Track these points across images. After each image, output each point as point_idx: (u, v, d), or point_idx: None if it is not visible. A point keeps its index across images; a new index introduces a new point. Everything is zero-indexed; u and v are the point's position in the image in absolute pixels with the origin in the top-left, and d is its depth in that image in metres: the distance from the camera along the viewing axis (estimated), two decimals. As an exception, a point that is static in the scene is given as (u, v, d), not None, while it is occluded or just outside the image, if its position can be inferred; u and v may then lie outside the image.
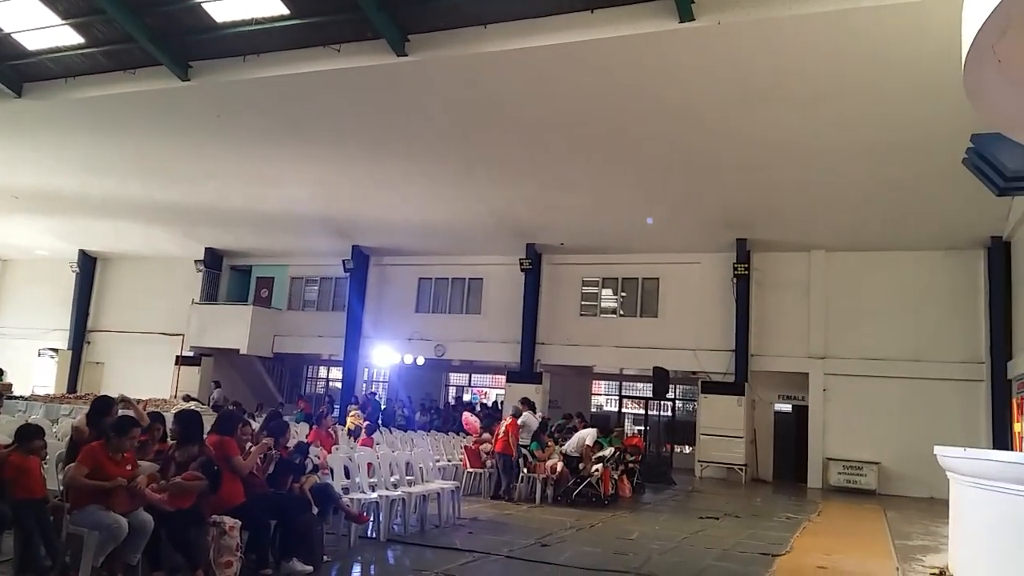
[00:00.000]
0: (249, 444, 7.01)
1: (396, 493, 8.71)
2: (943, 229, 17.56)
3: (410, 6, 12.73)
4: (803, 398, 19.48)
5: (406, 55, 13.40)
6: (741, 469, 18.77)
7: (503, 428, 12.78)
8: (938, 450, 8.03)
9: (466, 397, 26.39)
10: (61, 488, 5.79)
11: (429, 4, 12.69)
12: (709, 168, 15.81)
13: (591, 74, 13.05)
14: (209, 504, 6.09)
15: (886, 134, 13.37)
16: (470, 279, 23.44)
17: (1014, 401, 13.32)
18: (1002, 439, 15.94)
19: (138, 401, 14.05)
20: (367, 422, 12.79)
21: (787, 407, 20.28)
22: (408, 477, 9.72)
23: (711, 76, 12.62)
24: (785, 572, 7.75)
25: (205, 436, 6.67)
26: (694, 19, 11.44)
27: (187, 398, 18.39)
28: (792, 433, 19.80)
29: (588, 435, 12.88)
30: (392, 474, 9.35)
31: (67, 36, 14.56)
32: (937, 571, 8.01)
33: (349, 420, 13.64)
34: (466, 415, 16.19)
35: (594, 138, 15.17)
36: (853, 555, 9.10)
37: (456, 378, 27.36)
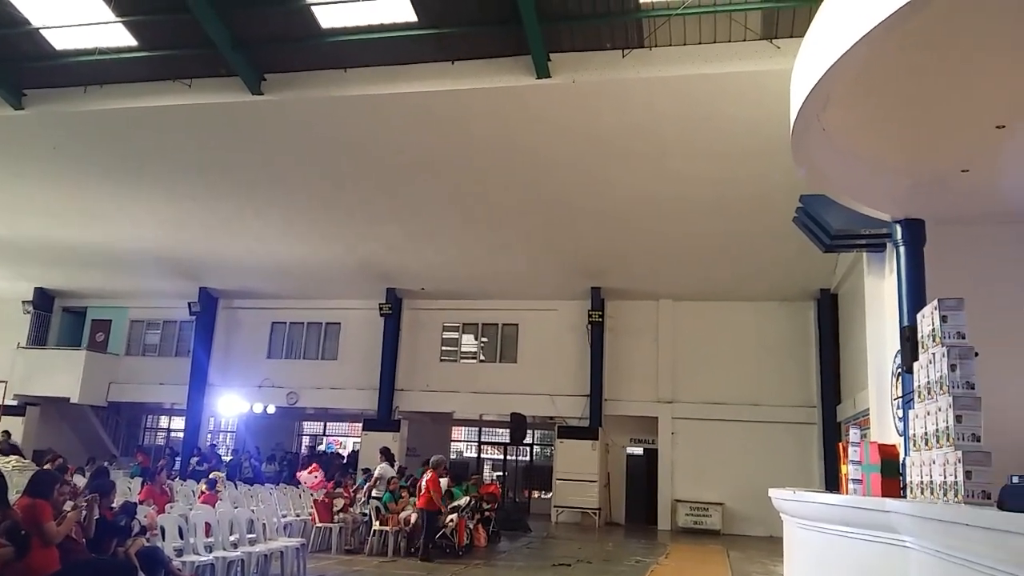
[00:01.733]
0: (70, 503, 6.40)
1: (235, 554, 8.20)
2: (778, 282, 18.84)
3: (267, 45, 12.48)
4: (654, 441, 20.14)
5: (262, 94, 13.09)
6: (595, 513, 19.07)
7: (424, 484, 12.00)
8: (772, 492, 8.47)
9: (321, 447, 25.44)
10: None
11: (287, 44, 12.49)
12: (566, 218, 16.28)
13: (451, 123, 13.22)
14: (17, 573, 5.48)
15: (726, 192, 14.27)
16: (327, 324, 22.82)
17: (840, 444, 14.30)
18: (832, 480, 17.07)
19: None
20: (208, 478, 12.01)
21: (639, 450, 20.89)
22: (250, 535, 9.17)
23: (567, 130, 13.08)
24: (631, 617, 7.86)
25: (17, 498, 6.05)
26: (550, 76, 11.87)
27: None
28: (643, 476, 20.38)
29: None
30: (232, 533, 8.80)
31: None
32: (772, 609, 8.38)
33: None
34: (300, 474, 15.39)
35: (455, 186, 15.31)
36: (696, 596, 9.37)
37: (310, 427, 26.39)
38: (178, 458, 20.88)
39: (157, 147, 14.68)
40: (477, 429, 24.55)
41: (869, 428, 11.29)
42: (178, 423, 24.76)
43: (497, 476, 22.95)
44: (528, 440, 22.01)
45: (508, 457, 23.66)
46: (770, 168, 12.47)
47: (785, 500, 8.03)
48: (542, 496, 22.54)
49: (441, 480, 13.07)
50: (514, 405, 19.68)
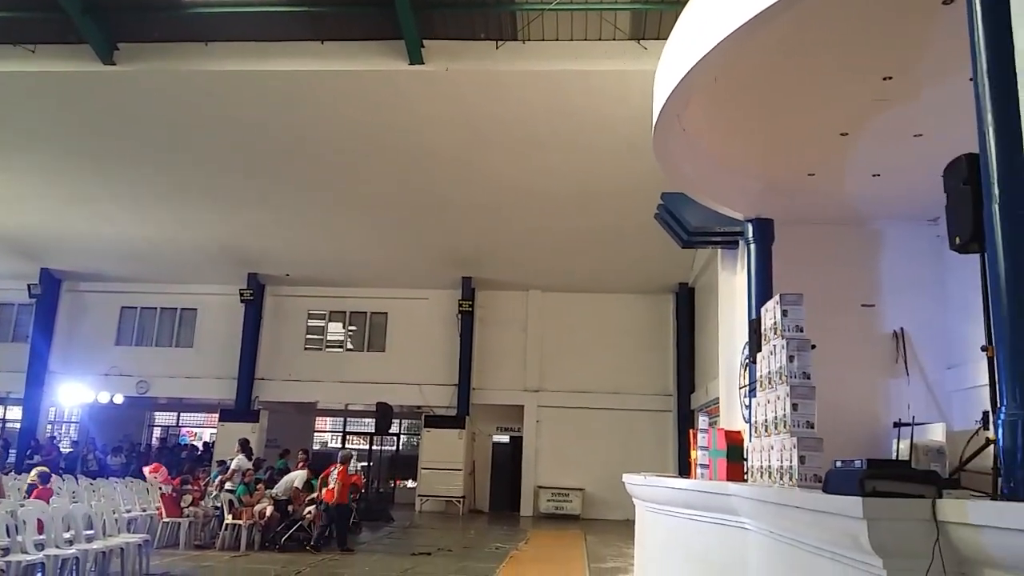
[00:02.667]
0: None
1: (69, 551, 7.63)
2: (640, 275, 19.52)
3: (122, 12, 11.70)
4: (519, 429, 20.43)
5: (114, 64, 12.27)
6: (459, 501, 19.14)
7: (333, 477, 11.83)
8: (625, 477, 8.75)
9: (173, 439, 24.15)
10: None
11: (145, 12, 11.77)
12: (437, 207, 16.20)
13: (321, 105, 12.86)
14: None
15: (593, 186, 14.63)
16: (182, 309, 21.67)
17: (691, 431, 15.06)
18: (685, 465, 17.88)
19: None
20: (40, 469, 11.13)
21: (505, 439, 21.15)
22: (88, 532, 8.56)
23: (440, 119, 13.00)
24: (488, 604, 7.92)
25: None
26: (423, 63, 11.75)
27: None
28: (508, 463, 20.65)
29: (297, 477, 12.33)
30: (67, 529, 8.18)
31: None
32: (624, 591, 8.67)
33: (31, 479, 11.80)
34: (145, 470, 14.53)
35: (324, 169, 14.91)
36: (553, 581, 9.56)
37: (162, 417, 24.99)
38: (12, 451, 19.26)
39: (-5, 114, 13.46)
40: (342, 419, 24.07)
41: (719, 416, 11.91)
42: (15, 413, 22.82)
43: (362, 466, 22.57)
44: (395, 430, 21.79)
45: (373, 447, 23.34)
46: (635, 165, 12.86)
47: (636, 485, 8.32)
48: (407, 486, 22.40)
49: (296, 473, 12.73)
50: (382, 395, 19.44)
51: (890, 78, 6.08)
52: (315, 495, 12.29)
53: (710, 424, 12.53)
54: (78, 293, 21.71)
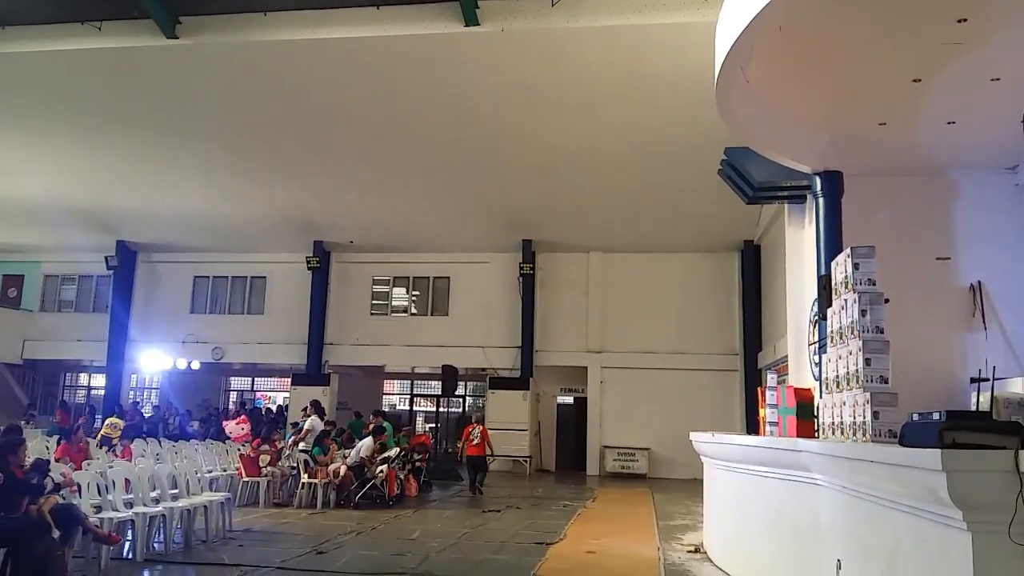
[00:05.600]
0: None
1: (156, 509, 8.03)
2: (703, 233, 19.19)
3: (182, -15, 11.88)
4: (583, 390, 20.50)
5: (177, 37, 12.50)
6: (526, 461, 19.39)
7: (475, 433, 14.57)
8: (692, 435, 8.74)
9: (258, 402, 25.03)
10: None
11: (203, -16, 11.92)
12: (496, 170, 16.18)
13: (378, 71, 12.90)
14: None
15: (654, 144, 14.38)
16: (252, 278, 22.28)
17: (759, 389, 14.96)
18: (753, 424, 17.74)
19: None
20: (112, 421, 11.75)
21: (569, 399, 21.25)
22: (173, 491, 8.99)
23: (496, 80, 12.91)
24: (556, 559, 8.04)
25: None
26: (479, 24, 11.65)
27: None
28: (573, 424, 20.78)
29: (364, 447, 12.68)
30: (153, 488, 8.60)
31: None
32: (693, 548, 8.69)
33: (105, 429, 12.45)
34: (227, 424, 15.07)
35: (382, 135, 15.00)
36: (621, 538, 9.64)
37: (238, 382, 25.90)
38: (98, 416, 20.24)
39: (66, 92, 13.92)
40: (409, 382, 24.54)
41: (787, 374, 11.73)
42: (99, 380, 23.96)
43: (430, 428, 23.04)
44: (460, 392, 22.12)
45: (440, 409, 23.76)
46: (696, 121, 12.59)
47: (704, 443, 8.30)
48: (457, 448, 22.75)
49: (364, 441, 13.02)
50: (446, 357, 19.70)
51: (964, 20, 5.79)
52: (387, 454, 12.64)
53: (779, 382, 12.42)
54: (152, 264, 22.51)
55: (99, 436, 11.78)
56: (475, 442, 14.65)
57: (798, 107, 7.70)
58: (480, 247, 20.90)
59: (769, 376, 16.84)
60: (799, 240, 10.54)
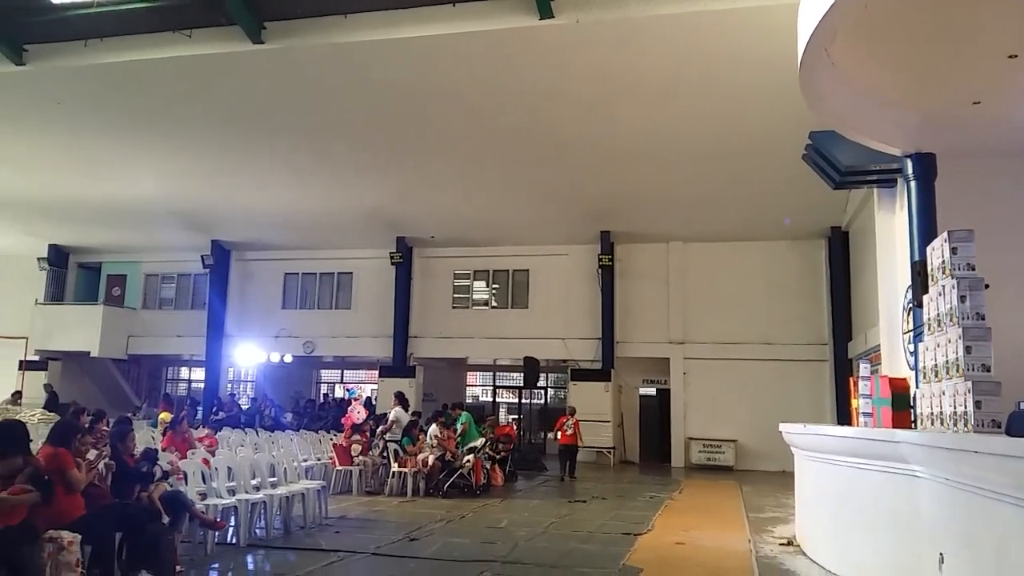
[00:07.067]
0: (93, 452, 6.59)
1: (257, 496, 8.41)
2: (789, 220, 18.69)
3: (266, -8, 12.28)
4: (666, 382, 20.32)
5: (262, 42, 12.93)
6: (610, 452, 19.37)
7: (569, 424, 15.89)
8: (782, 427, 8.58)
9: (339, 393, 25.78)
10: None
11: (289, -11, 12.29)
12: (573, 162, 16.15)
13: (454, 67, 13.05)
14: (44, 519, 5.66)
15: (735, 130, 14.09)
16: (339, 273, 22.95)
17: (851, 379, 14.54)
18: (844, 415, 17.23)
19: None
20: (218, 419, 12.42)
21: (651, 391, 21.10)
22: (272, 479, 9.39)
23: (572, 71, 12.88)
24: (645, 550, 8.04)
25: (40, 447, 6.21)
26: (553, 16, 11.64)
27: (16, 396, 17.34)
28: (657, 415, 20.63)
29: (431, 432, 13.02)
30: (253, 476, 9.01)
31: None
32: (785, 541, 8.54)
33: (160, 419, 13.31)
34: (353, 407, 15.83)
35: (460, 131, 15.18)
36: (710, 530, 9.56)
37: (328, 375, 26.73)
38: (199, 407, 21.26)
39: (160, 99, 14.58)
40: (491, 373, 24.82)
41: (880, 363, 11.35)
42: (199, 374, 25.14)
43: (513, 419, 23.26)
44: (542, 383, 22.25)
45: (523, 400, 23.95)
46: (779, 105, 12.27)
47: (796, 434, 8.15)
48: (552, 438, 22.85)
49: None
50: (527, 349, 19.85)
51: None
52: (473, 444, 12.87)
53: (872, 372, 12.05)
54: (245, 262, 23.43)
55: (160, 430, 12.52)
56: (568, 432, 15.83)
57: (886, 87, 7.45)
58: (558, 239, 20.93)
59: (861, 366, 16.31)
60: (890, 225, 10.17)
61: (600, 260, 20.21)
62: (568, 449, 15.98)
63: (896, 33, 6.44)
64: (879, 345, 11.30)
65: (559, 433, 16.21)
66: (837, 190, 11.78)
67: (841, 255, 18.74)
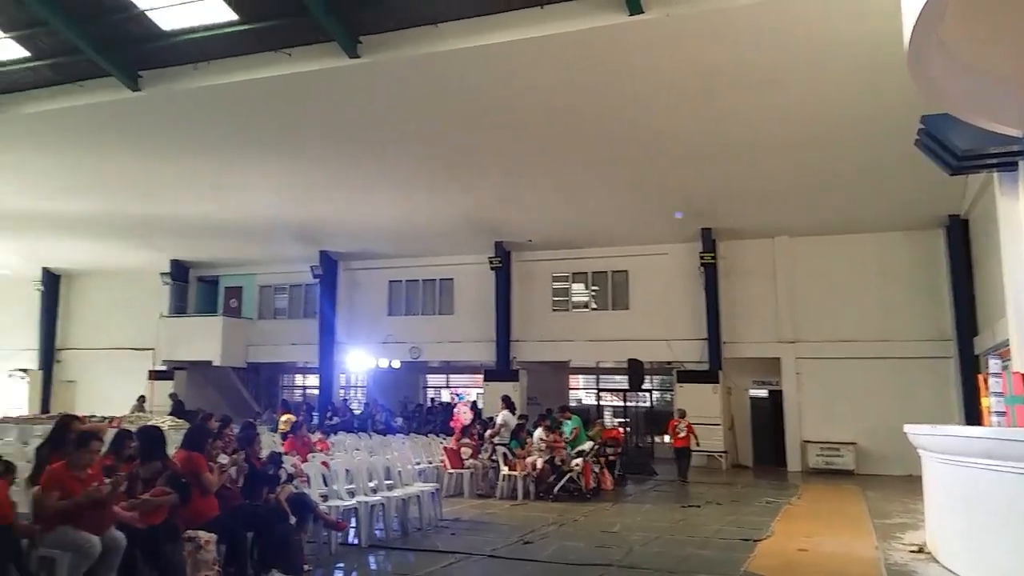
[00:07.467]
0: (224, 456, 6.95)
1: (375, 498, 8.67)
2: (902, 210, 17.81)
3: (359, 8, 12.64)
4: (777, 383, 19.68)
5: (359, 57, 13.32)
6: (721, 456, 18.92)
7: (681, 427, 16.13)
8: (908, 428, 8.17)
9: (445, 398, 26.28)
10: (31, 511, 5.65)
11: (379, 5, 12.61)
12: (668, 159, 15.90)
13: (546, 70, 13.07)
14: (182, 519, 6.01)
15: (841, 117, 13.55)
16: (441, 280, 23.36)
17: (980, 377, 13.70)
18: (972, 414, 16.24)
19: (111, 418, 13.94)
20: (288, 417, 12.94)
21: (763, 392, 20.48)
22: (388, 482, 9.66)
23: (665, 66, 12.69)
24: (766, 557, 7.82)
25: (174, 451, 6.61)
26: (643, 12, 11.49)
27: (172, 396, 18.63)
28: (769, 418, 20.00)
29: (536, 435, 13.08)
30: (371, 479, 9.29)
31: (11, 50, 14.24)
32: (916, 547, 8.13)
33: (280, 426, 13.81)
34: (459, 411, 16.17)
35: (554, 133, 15.19)
36: (834, 536, 9.21)
37: (434, 379, 27.26)
38: (314, 413, 22.07)
39: (266, 117, 15.22)
40: (595, 376, 24.71)
41: (1010, 359, 10.65)
42: (312, 380, 26.13)
43: (618, 422, 23.08)
44: (646, 385, 21.98)
45: (628, 403, 23.72)
46: (887, 89, 11.74)
47: (923, 436, 7.76)
48: (664, 441, 22.51)
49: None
50: (630, 351, 19.64)
51: None
52: (582, 448, 12.86)
53: (1003, 368, 11.37)
54: (352, 271, 24.17)
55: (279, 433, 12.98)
56: (681, 435, 16.06)
57: (1002, 65, 6.99)
58: (658, 238, 20.60)
59: (991, 362, 15.34)
60: (1014, 211, 9.52)
61: (702, 258, 19.78)
62: (682, 452, 16.13)
63: (1010, 8, 6.04)
64: (1009, 339, 10.61)
65: (672, 436, 16.34)
66: (954, 176, 11.14)
67: (961, 244, 17.67)
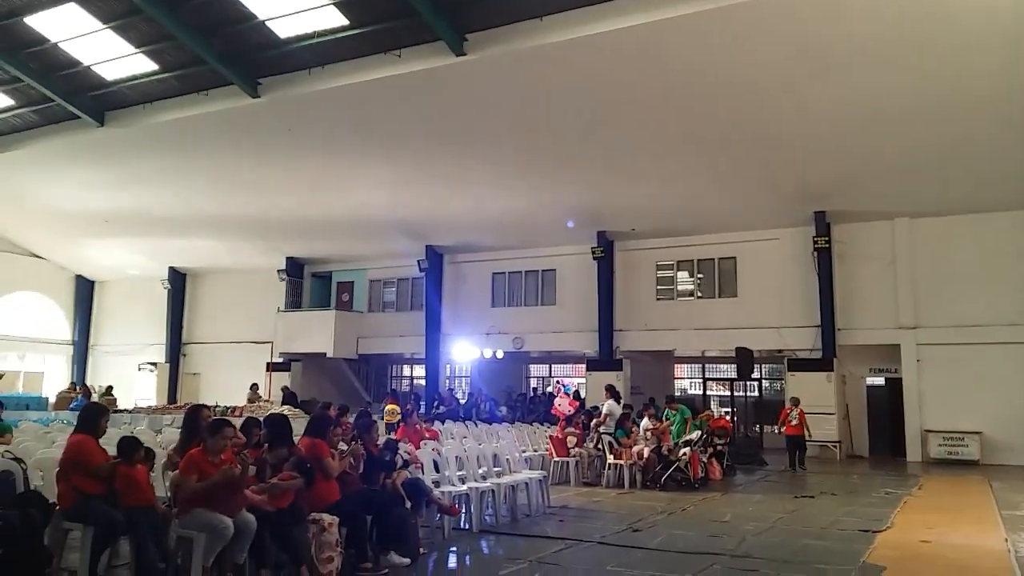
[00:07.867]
0: (342, 444, 7.26)
1: (486, 485, 8.85)
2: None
3: (465, 6, 12.87)
4: (896, 370, 18.78)
5: (465, 54, 13.56)
6: (835, 446, 18.25)
7: (794, 415, 15.81)
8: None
9: (549, 388, 26.40)
10: (168, 494, 6.09)
11: (483, 2, 12.79)
12: (779, 142, 15.46)
13: (650, 56, 12.97)
14: (306, 503, 6.33)
15: (959, 92, 12.86)
16: (543, 271, 23.46)
17: None
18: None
19: (233, 409, 14.74)
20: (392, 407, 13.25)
21: (880, 380, 19.62)
22: (496, 469, 9.84)
23: (773, 47, 12.38)
24: (887, 548, 7.52)
25: (298, 439, 6.95)
26: (754, -8, 11.22)
27: (283, 389, 19.71)
28: (886, 407, 19.15)
29: (643, 425, 13.02)
30: (480, 466, 9.49)
31: (142, 64, 15.28)
32: (1050, 541, 7.67)
33: (387, 416, 14.16)
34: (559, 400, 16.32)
35: (658, 120, 15.05)
36: (959, 528, 8.78)
37: (536, 369, 27.46)
38: (422, 402, 22.65)
39: (378, 117, 15.72)
40: (700, 365, 24.27)
41: None
42: (419, 371, 26.83)
43: (725, 412, 22.61)
44: (755, 375, 21.41)
45: (735, 393, 23.20)
46: (1012, 58, 11.00)
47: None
48: (774, 431, 21.88)
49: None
50: (738, 340, 19.20)
51: None
52: (689, 437, 12.71)
53: None
54: (457, 264, 24.63)
55: (384, 422, 13.33)
56: (794, 423, 15.80)
57: None
58: (767, 223, 19.98)
59: None
60: None
61: (815, 243, 19.03)
62: (794, 440, 15.87)
63: None
64: None
65: (784, 425, 16.04)
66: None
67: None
